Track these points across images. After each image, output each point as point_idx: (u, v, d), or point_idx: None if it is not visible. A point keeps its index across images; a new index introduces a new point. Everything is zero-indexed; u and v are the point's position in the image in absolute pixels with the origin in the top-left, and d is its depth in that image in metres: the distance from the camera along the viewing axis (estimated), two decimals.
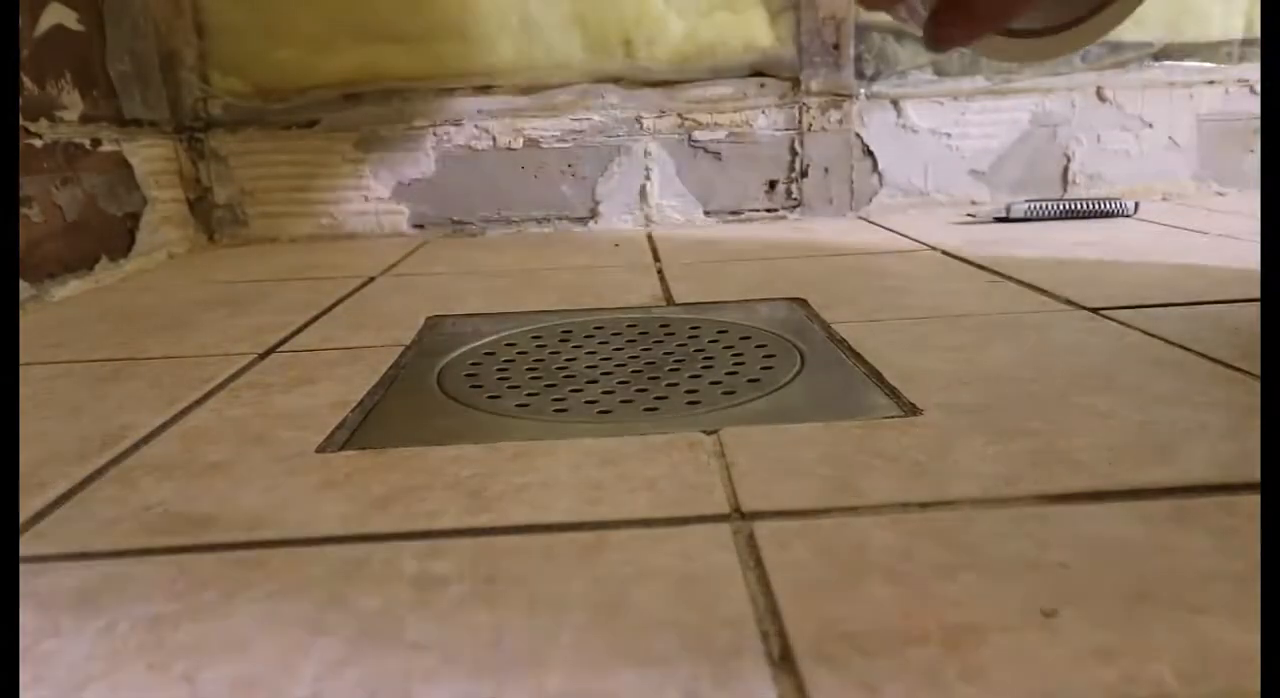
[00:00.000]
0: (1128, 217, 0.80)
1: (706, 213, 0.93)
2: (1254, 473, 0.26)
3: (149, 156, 0.83)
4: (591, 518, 0.25)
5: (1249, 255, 0.60)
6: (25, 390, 0.41)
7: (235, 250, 0.89)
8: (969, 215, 0.86)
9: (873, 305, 0.50)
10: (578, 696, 0.18)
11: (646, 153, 0.91)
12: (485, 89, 0.89)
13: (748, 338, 0.45)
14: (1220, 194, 0.93)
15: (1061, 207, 0.81)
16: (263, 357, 0.45)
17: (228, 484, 0.29)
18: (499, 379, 0.40)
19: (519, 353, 0.44)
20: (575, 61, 0.89)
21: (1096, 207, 0.80)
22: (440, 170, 0.91)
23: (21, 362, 0.46)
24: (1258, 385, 0.33)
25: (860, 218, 0.90)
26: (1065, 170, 0.93)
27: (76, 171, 0.71)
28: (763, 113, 0.91)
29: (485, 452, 0.31)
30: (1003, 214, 0.82)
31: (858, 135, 0.92)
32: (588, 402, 0.36)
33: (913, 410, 0.33)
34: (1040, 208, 0.81)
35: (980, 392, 0.34)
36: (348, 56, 0.88)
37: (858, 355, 0.41)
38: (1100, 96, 0.92)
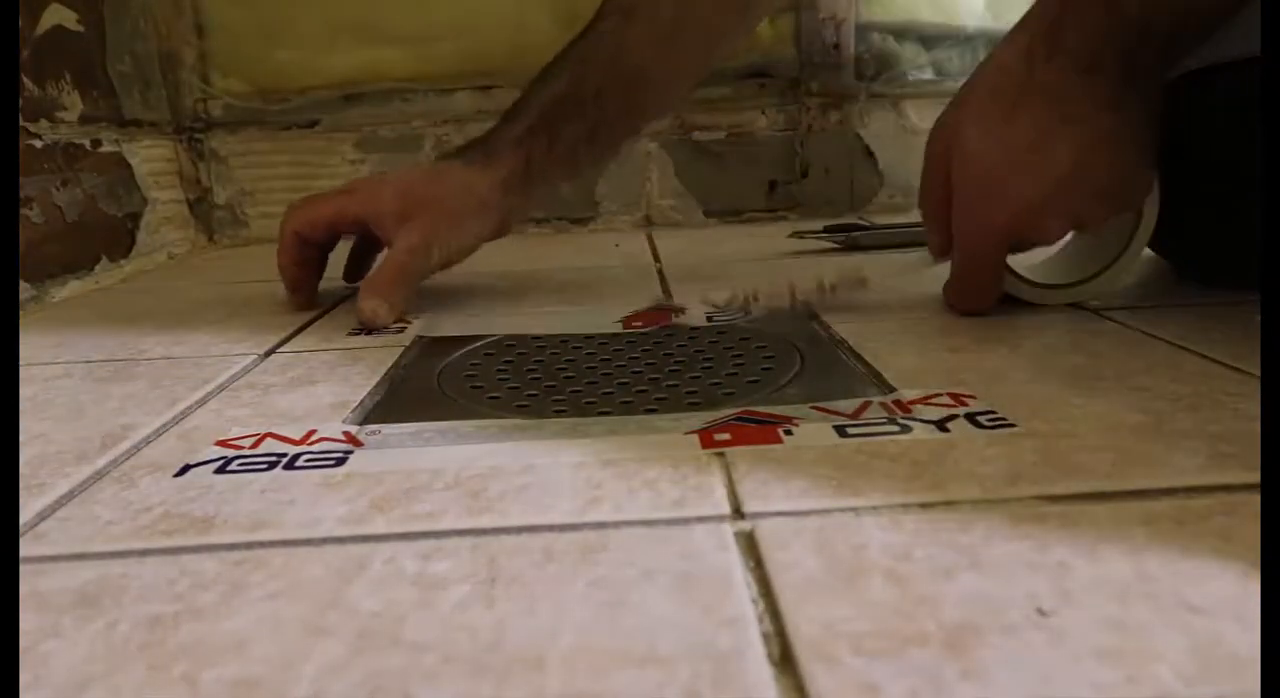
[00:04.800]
0: None
1: (706, 213, 0.93)
2: (1254, 473, 0.26)
3: (149, 157, 0.83)
4: (592, 518, 0.25)
5: None
6: (25, 391, 0.41)
7: (235, 251, 0.89)
8: (796, 234, 0.75)
9: (874, 305, 0.50)
10: (578, 696, 0.18)
11: (646, 153, 0.91)
12: (485, 89, 0.89)
13: (747, 339, 0.45)
14: None
15: (913, 233, 0.67)
16: (263, 357, 0.45)
17: (228, 485, 0.29)
18: (499, 379, 0.40)
19: (519, 353, 0.44)
20: None
21: None
22: None
23: (22, 362, 0.46)
24: (1258, 385, 0.33)
25: (860, 218, 0.90)
26: None
27: (76, 172, 0.71)
28: (763, 113, 0.91)
29: (485, 452, 0.31)
30: (842, 238, 0.71)
31: (858, 136, 0.92)
32: (588, 402, 0.36)
33: None
34: (892, 235, 0.70)
35: (981, 392, 0.34)
36: (348, 56, 0.88)
37: (858, 356, 0.41)
38: None
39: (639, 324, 0.48)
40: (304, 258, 0.55)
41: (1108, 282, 0.47)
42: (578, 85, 0.54)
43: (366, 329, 0.49)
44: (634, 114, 0.56)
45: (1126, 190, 0.44)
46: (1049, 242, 0.45)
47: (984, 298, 0.46)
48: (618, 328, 0.48)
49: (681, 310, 0.49)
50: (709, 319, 0.50)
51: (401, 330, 0.49)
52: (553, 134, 0.53)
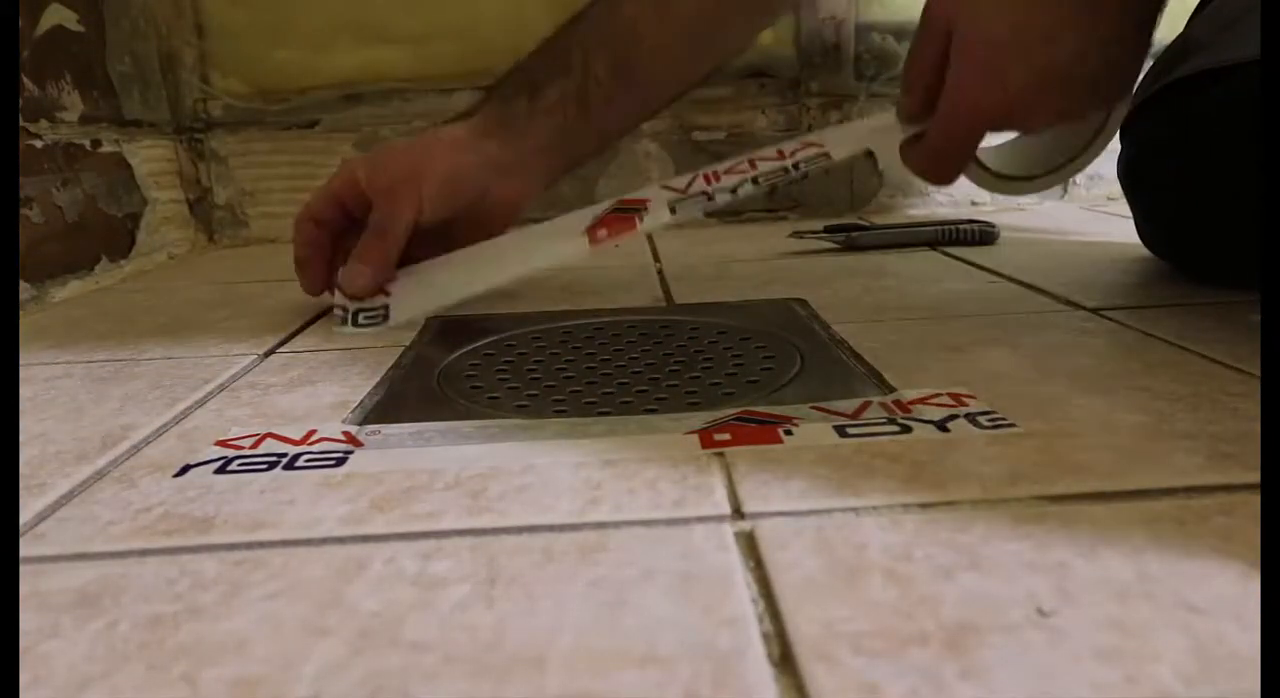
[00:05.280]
0: (989, 244, 0.70)
1: (707, 213, 0.93)
2: (1254, 473, 0.26)
3: (149, 157, 0.83)
4: (592, 518, 0.25)
5: None
6: (25, 391, 0.41)
7: (235, 251, 0.89)
8: (796, 234, 0.75)
9: (874, 305, 0.50)
10: (577, 696, 0.18)
11: (646, 153, 0.91)
12: (485, 89, 0.89)
13: (748, 339, 0.45)
14: None
15: (912, 233, 0.72)
16: (263, 357, 0.45)
17: (228, 485, 0.29)
18: (499, 380, 0.40)
19: (519, 353, 0.44)
20: None
21: (952, 234, 0.71)
22: None
23: (22, 362, 0.46)
24: (1258, 385, 0.33)
25: (860, 218, 0.90)
26: None
27: (76, 172, 0.71)
28: (762, 113, 0.91)
29: (485, 452, 0.31)
30: (842, 238, 0.71)
31: None
32: (588, 402, 0.36)
33: None
34: (887, 235, 0.72)
35: (981, 392, 0.34)
36: (348, 56, 0.88)
37: (858, 356, 0.41)
38: None
39: (604, 233, 0.49)
40: (310, 238, 0.54)
41: (1062, 177, 0.48)
42: (563, 38, 0.55)
43: (350, 296, 0.51)
44: (627, 77, 0.55)
45: (1115, 85, 0.44)
46: (1031, 131, 0.45)
47: (953, 173, 0.47)
48: (584, 243, 0.50)
49: (644, 205, 0.49)
50: (672, 210, 0.51)
51: (382, 317, 0.50)
52: (534, 88, 0.54)
